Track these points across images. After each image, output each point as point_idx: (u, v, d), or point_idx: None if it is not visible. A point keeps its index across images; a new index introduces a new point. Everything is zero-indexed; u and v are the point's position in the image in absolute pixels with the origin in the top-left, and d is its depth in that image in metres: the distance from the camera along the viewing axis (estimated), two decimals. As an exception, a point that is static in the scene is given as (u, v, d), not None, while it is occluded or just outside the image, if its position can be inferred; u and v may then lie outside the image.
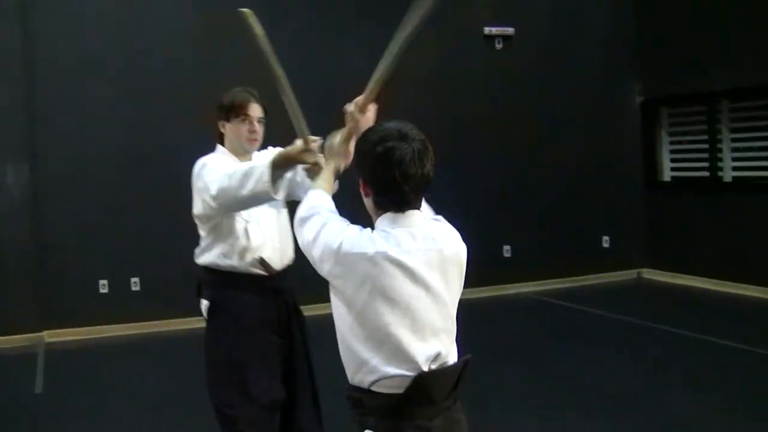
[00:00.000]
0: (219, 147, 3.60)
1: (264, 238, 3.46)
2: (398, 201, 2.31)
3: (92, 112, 8.23)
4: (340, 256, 2.25)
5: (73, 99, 8.18)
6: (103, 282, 8.29)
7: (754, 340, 7.02)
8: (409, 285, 2.27)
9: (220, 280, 3.42)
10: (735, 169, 9.44)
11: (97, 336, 8.13)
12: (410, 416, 2.26)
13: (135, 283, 8.39)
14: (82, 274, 8.24)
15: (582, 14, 10.20)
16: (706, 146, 9.69)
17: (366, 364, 2.27)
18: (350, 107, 2.73)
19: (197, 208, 3.38)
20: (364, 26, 8.58)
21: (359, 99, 2.72)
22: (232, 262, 3.40)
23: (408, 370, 2.25)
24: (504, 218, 9.87)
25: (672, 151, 10.34)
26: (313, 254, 2.33)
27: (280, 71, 2.84)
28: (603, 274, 10.28)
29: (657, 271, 10.32)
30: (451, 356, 2.36)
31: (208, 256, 3.44)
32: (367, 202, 2.38)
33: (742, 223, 9.22)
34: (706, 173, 9.71)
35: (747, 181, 9.28)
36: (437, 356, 2.30)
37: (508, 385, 6.18)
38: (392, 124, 2.33)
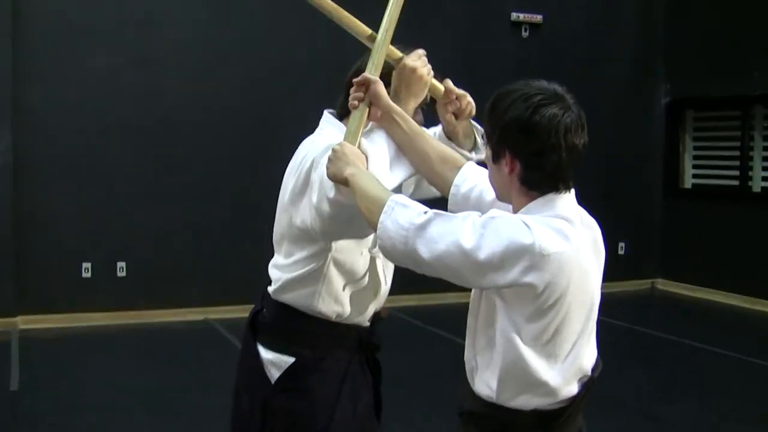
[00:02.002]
0: (334, 121, 2.48)
1: (387, 283, 2.53)
2: (558, 179, 1.93)
3: (89, 78, 7.53)
4: (537, 257, 1.81)
5: (69, 61, 7.48)
6: (86, 265, 7.59)
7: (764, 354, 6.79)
8: (593, 282, 1.97)
9: (315, 329, 2.42)
10: (765, 179, 8.93)
11: (77, 324, 7.43)
12: (564, 428, 1.99)
13: (121, 269, 7.70)
14: (63, 255, 7.53)
15: (613, 7, 9.64)
16: (735, 153, 9.16)
17: (543, 386, 1.92)
18: (367, 86, 2.23)
19: (302, 216, 2.30)
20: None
21: (367, 74, 2.27)
22: (344, 311, 2.42)
23: (580, 384, 1.98)
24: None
25: (696, 157, 9.80)
26: (478, 264, 1.83)
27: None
28: (616, 282, 9.71)
29: (671, 282, 9.79)
30: None
31: (301, 295, 2.39)
32: (508, 180, 1.95)
33: (767, 235, 8.72)
34: (733, 182, 9.18)
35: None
36: (597, 359, 2.04)
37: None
38: (539, 84, 1.95)
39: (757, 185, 8.96)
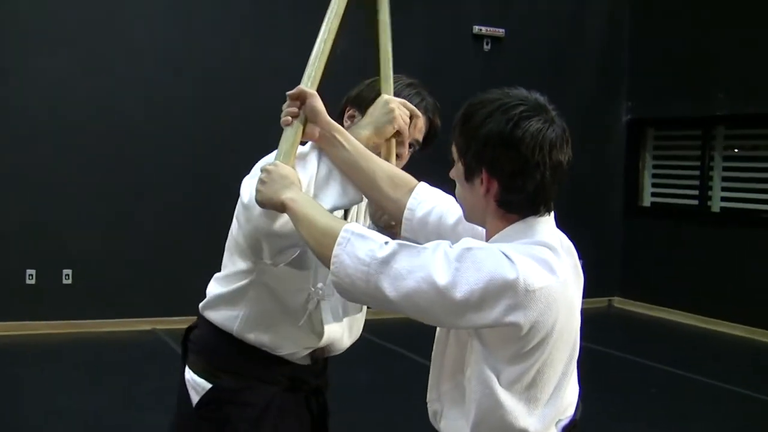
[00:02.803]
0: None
1: (341, 327, 2.30)
2: (540, 200, 1.72)
3: (36, 82, 7.26)
4: (522, 294, 1.59)
5: (17, 65, 7.21)
6: (31, 272, 7.32)
7: (723, 376, 6.71)
8: (577, 316, 1.77)
9: (239, 356, 2.20)
10: (724, 199, 8.90)
11: (19, 333, 7.14)
12: None
13: (67, 276, 7.43)
14: (6, 261, 7.25)
15: (576, 23, 9.60)
16: (695, 173, 9.14)
17: None
18: (303, 99, 1.99)
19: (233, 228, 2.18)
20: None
21: (302, 87, 2.02)
22: (269, 343, 2.19)
23: (561, 428, 1.78)
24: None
25: (655, 176, 9.76)
26: (454, 303, 1.60)
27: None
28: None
29: (628, 301, 9.73)
30: None
31: (224, 315, 2.20)
32: (483, 201, 1.74)
33: (725, 256, 8.70)
34: (692, 201, 9.15)
35: (736, 213, 8.75)
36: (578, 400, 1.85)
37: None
38: (519, 93, 1.73)
39: (716, 205, 8.94)
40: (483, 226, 1.81)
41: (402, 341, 7.15)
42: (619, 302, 9.85)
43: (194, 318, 2.38)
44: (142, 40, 7.60)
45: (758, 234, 8.39)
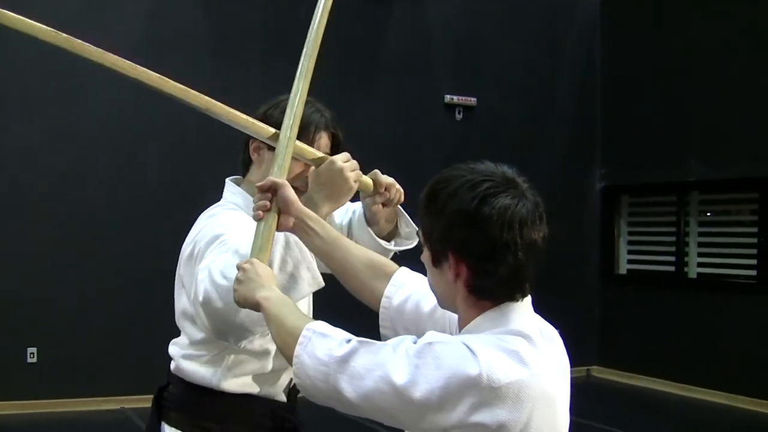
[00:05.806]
0: (235, 189, 2.38)
1: None
2: (514, 285, 1.59)
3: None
4: (486, 391, 1.45)
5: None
6: (-6, 352, 7.12)
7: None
8: (561, 410, 1.63)
9: (221, 405, 2.21)
10: (700, 265, 8.86)
11: (-19, 415, 6.93)
12: None
13: (32, 355, 7.23)
14: (-32, 342, 7.05)
15: (548, 90, 9.63)
16: (671, 239, 9.10)
17: None
18: (274, 191, 1.92)
19: (182, 301, 2.31)
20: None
21: (273, 177, 1.97)
22: (253, 389, 2.24)
23: None
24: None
25: (631, 243, 9.72)
26: (414, 404, 1.47)
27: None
28: (552, 371, 9.50)
29: (608, 370, 9.60)
30: None
31: (202, 374, 2.22)
32: (453, 287, 1.61)
33: (704, 322, 8.60)
34: (669, 268, 9.09)
35: (713, 279, 8.69)
36: None
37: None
38: (485, 168, 1.62)
39: (693, 271, 8.89)
40: (456, 313, 1.69)
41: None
42: (597, 371, 9.70)
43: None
44: (108, 109, 7.49)
45: (736, 299, 8.33)
